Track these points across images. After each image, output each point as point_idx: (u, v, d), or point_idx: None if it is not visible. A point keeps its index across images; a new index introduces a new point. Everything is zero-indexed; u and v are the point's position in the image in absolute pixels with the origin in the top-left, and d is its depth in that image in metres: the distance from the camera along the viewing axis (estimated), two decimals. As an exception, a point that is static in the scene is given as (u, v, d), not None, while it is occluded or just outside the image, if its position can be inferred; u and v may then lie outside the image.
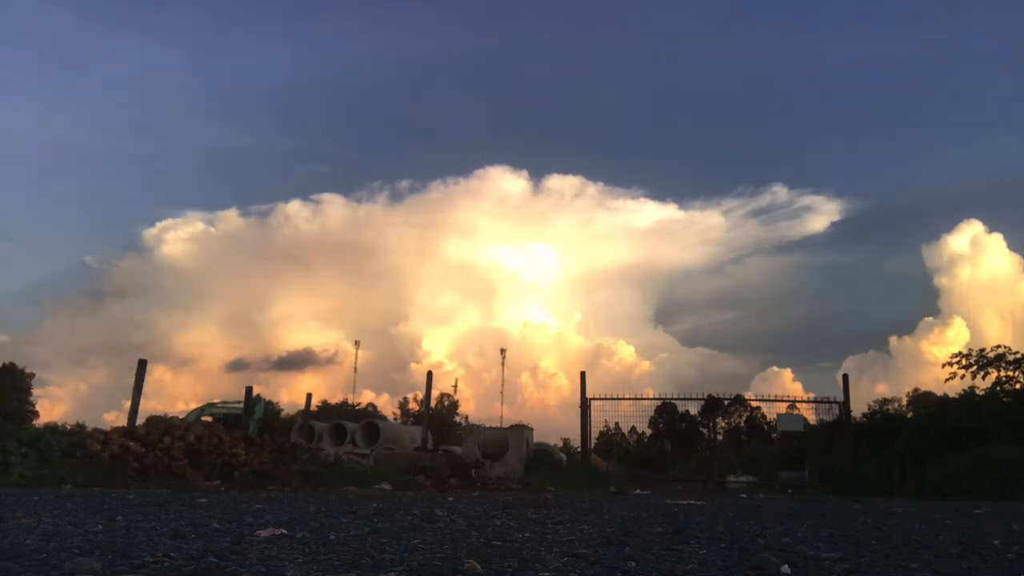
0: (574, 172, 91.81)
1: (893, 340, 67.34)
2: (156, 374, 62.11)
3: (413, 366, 69.81)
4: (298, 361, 76.41)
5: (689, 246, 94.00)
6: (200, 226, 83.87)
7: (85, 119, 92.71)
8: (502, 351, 48.44)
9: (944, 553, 4.47)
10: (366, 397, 54.26)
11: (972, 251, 66.92)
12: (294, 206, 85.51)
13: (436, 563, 3.54)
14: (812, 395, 24.07)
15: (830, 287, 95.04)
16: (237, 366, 70.83)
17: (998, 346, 21.60)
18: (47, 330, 76.74)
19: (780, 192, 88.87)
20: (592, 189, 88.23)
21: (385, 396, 61.68)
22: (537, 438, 23.80)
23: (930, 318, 66.82)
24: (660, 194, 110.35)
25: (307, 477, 14.46)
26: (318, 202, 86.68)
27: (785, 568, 3.56)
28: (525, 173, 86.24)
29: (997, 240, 67.70)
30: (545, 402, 65.38)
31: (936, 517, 7.98)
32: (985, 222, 68.67)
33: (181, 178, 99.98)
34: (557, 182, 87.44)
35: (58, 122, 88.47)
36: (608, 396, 23.19)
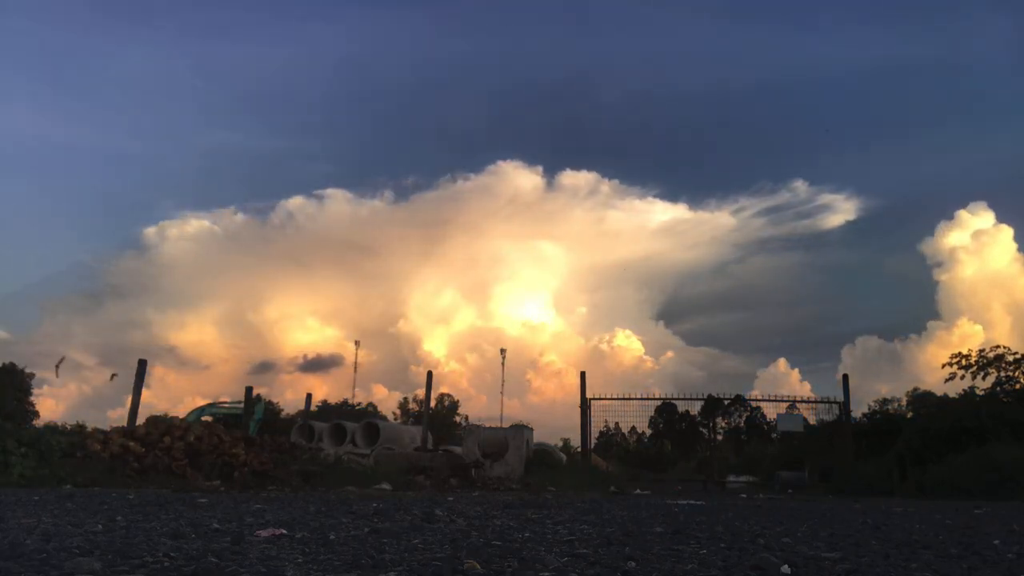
0: (589, 168, 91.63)
1: (898, 340, 67.36)
2: (157, 374, 62.20)
3: (413, 367, 69.97)
4: (326, 364, 76.72)
5: (698, 245, 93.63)
6: (201, 225, 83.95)
7: (86, 119, 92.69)
8: (502, 351, 48.50)
9: (944, 553, 4.47)
10: (379, 392, 54.30)
11: (979, 246, 66.43)
12: (297, 205, 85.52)
13: (436, 563, 3.54)
14: (808, 390, 24.11)
15: (839, 286, 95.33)
16: (263, 368, 71.47)
17: (998, 346, 21.61)
18: (47, 330, 76.72)
19: (799, 189, 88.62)
20: (606, 187, 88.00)
21: (397, 394, 61.80)
22: (537, 438, 23.84)
23: (935, 320, 66.71)
24: (673, 192, 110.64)
25: (307, 477, 14.46)
26: (321, 199, 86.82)
27: (785, 568, 3.56)
28: (540, 169, 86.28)
29: (1006, 234, 66.91)
30: (546, 402, 65.44)
31: (936, 517, 7.98)
32: (997, 215, 67.80)
33: (182, 178, 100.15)
34: (571, 178, 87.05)
35: (58, 122, 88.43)
36: (608, 396, 23.21)
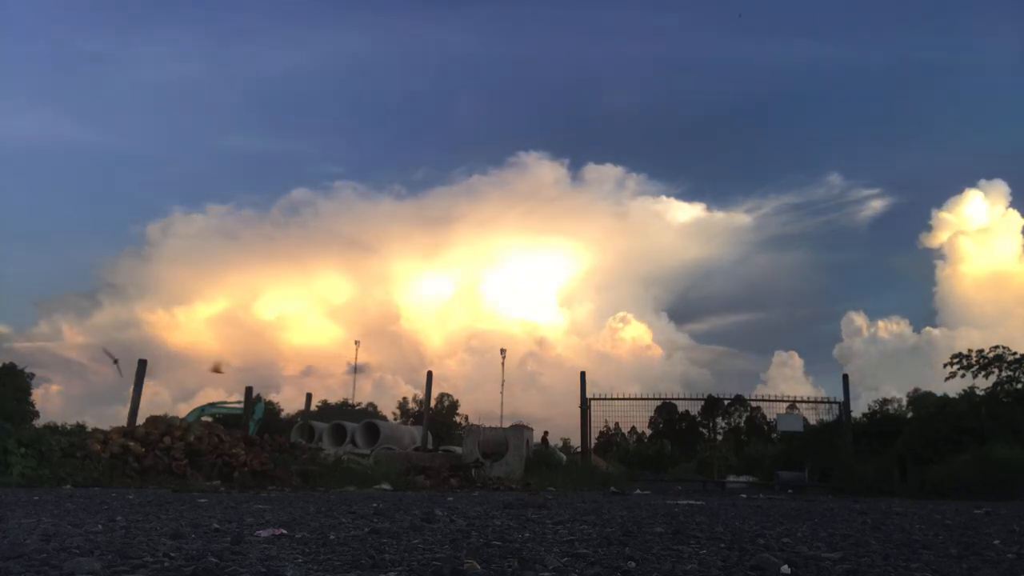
0: (614, 163, 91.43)
1: (903, 338, 67.36)
2: (159, 373, 62.14)
3: (414, 366, 69.98)
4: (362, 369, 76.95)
5: (712, 244, 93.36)
6: (201, 224, 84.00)
7: (86, 119, 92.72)
8: (502, 351, 48.46)
9: (944, 553, 4.47)
10: (399, 386, 54.47)
11: (988, 240, 66.25)
12: (302, 203, 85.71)
13: (436, 563, 3.54)
14: (822, 394, 24.13)
15: (851, 284, 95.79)
16: (307, 373, 71.70)
17: (997, 346, 21.59)
18: (47, 330, 76.77)
19: (818, 188, 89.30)
20: (632, 182, 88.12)
21: (400, 392, 62.06)
22: (537, 438, 23.84)
23: (945, 318, 66.69)
24: (697, 189, 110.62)
25: (307, 477, 14.47)
26: (326, 197, 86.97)
27: (785, 568, 3.56)
28: (567, 161, 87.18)
29: (1015, 224, 66.59)
30: (547, 401, 65.36)
31: (936, 517, 7.97)
32: (1010, 201, 67.24)
33: (182, 177, 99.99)
34: (595, 172, 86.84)
35: (59, 122, 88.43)
36: (607, 396, 23.21)
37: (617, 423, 27.59)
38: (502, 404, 43.51)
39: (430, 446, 26.07)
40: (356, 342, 54.21)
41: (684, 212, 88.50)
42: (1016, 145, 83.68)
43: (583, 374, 23.10)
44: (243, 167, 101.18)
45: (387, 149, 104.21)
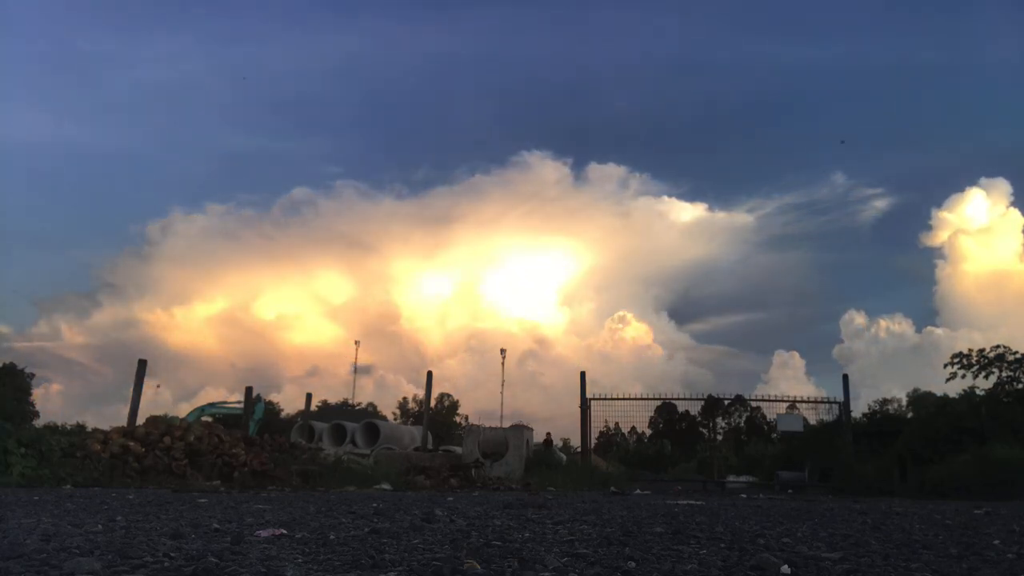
0: (616, 163, 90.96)
1: (904, 337, 67.32)
2: (158, 373, 62.06)
3: (414, 366, 69.94)
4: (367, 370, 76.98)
5: (714, 244, 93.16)
6: (201, 224, 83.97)
7: (86, 119, 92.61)
8: (502, 351, 48.47)
9: (944, 553, 4.47)
10: (399, 386, 54.69)
11: (990, 239, 66.20)
12: (299, 203, 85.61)
13: (436, 563, 3.54)
14: (823, 394, 24.15)
15: (853, 284, 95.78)
16: (312, 373, 71.89)
17: (998, 346, 21.58)
18: (47, 330, 76.75)
19: (819, 188, 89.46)
20: (634, 182, 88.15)
21: (399, 392, 62.16)
22: (537, 438, 23.85)
23: (948, 316, 66.66)
24: (699, 189, 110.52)
25: (307, 477, 14.47)
26: (326, 196, 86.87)
27: (785, 568, 3.56)
28: (570, 161, 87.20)
29: (1016, 223, 66.40)
30: (549, 401, 65.34)
31: (936, 517, 7.97)
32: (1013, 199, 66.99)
33: (182, 177, 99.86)
34: (598, 172, 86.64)
35: (59, 122, 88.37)
36: (608, 396, 23.20)
37: (617, 423, 27.62)
38: (502, 404, 43.55)
39: (430, 446, 26.07)
40: (356, 342, 54.30)
41: (686, 212, 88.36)
42: (1017, 144, 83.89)
43: (583, 374, 23.12)
44: (243, 167, 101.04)
45: (387, 149, 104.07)
